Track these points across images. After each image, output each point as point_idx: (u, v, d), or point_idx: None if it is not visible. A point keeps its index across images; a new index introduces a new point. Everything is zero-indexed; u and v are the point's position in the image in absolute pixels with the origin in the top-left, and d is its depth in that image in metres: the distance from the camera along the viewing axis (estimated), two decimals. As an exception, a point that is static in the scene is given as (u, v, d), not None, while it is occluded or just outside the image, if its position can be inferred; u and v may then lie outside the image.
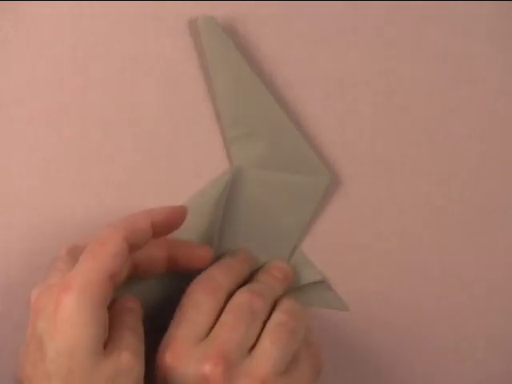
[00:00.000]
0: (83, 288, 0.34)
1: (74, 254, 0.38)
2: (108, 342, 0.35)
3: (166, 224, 0.38)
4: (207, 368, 0.36)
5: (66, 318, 0.33)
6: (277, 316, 0.39)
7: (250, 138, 0.42)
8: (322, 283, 0.45)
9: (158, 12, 0.41)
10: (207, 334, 0.37)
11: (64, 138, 0.42)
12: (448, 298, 0.47)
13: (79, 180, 0.43)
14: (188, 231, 0.41)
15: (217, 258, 0.42)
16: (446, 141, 0.45)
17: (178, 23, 0.41)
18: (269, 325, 0.38)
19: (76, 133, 0.42)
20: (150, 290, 0.40)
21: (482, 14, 0.43)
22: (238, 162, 0.43)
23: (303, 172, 0.43)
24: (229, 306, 0.38)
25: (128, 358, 0.35)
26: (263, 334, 0.38)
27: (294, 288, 0.44)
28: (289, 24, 0.42)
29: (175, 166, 0.43)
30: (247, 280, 0.42)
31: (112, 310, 0.36)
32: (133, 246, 0.36)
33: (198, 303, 0.38)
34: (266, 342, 0.37)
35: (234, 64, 0.41)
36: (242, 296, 0.39)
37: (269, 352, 0.37)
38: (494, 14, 0.43)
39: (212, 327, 0.37)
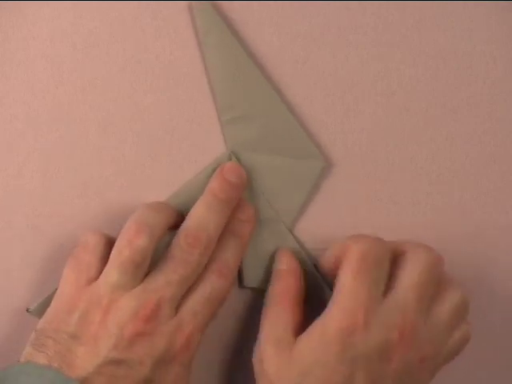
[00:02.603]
0: None
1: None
2: None
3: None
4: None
5: None
6: None
7: (243, 121, 0.42)
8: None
9: (158, 12, 0.41)
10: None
11: (64, 137, 0.42)
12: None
13: (79, 180, 0.43)
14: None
15: None
16: (446, 141, 0.45)
17: (179, 23, 0.41)
18: None
19: (76, 132, 0.42)
20: None
21: (481, 14, 0.43)
22: (232, 145, 0.43)
23: (297, 156, 0.43)
24: None
25: None
26: None
27: None
28: (289, 24, 0.42)
29: (176, 164, 0.43)
30: None
31: None
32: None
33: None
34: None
35: (228, 47, 0.41)
36: None
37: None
38: (494, 14, 0.43)
39: None
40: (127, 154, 0.43)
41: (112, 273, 0.38)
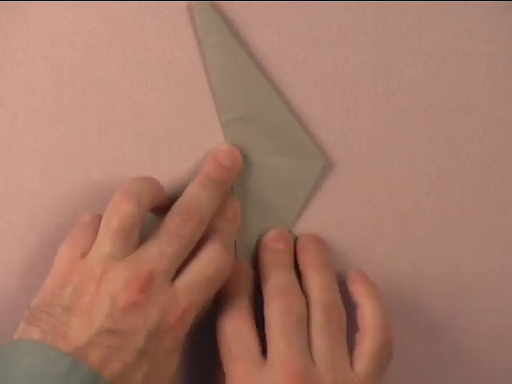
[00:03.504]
0: None
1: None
2: None
3: None
4: None
5: None
6: None
7: (243, 121, 0.42)
8: None
9: (158, 12, 0.41)
10: None
11: (64, 137, 0.42)
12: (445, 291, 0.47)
13: (79, 179, 0.43)
14: None
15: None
16: (446, 141, 0.45)
17: (179, 23, 0.41)
18: None
19: (76, 132, 0.42)
20: None
21: (481, 14, 0.43)
22: (233, 142, 0.43)
23: (297, 156, 0.43)
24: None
25: None
26: None
27: None
28: (289, 24, 0.42)
29: (176, 164, 0.43)
30: None
31: None
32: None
33: None
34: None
35: (228, 47, 0.41)
36: None
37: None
38: (494, 14, 0.43)
39: None
40: (127, 154, 0.43)
41: (103, 243, 0.38)
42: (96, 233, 0.39)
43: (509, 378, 0.49)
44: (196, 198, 0.40)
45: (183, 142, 0.43)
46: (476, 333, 0.46)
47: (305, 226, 0.45)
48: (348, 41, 0.42)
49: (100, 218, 0.40)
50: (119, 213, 0.38)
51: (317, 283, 0.42)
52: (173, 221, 0.39)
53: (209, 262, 0.39)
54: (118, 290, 0.37)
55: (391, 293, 0.47)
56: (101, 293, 0.37)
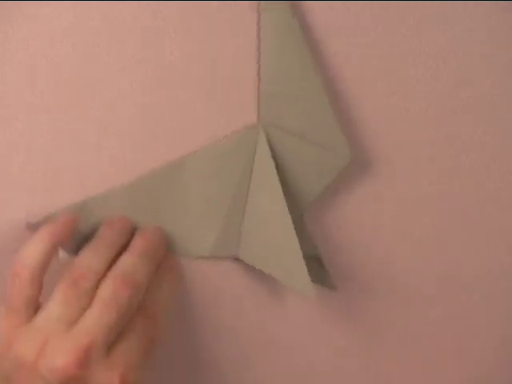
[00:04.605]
0: None
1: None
2: None
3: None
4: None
5: None
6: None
7: (282, 96, 0.42)
8: (316, 258, 0.45)
9: (158, 12, 0.41)
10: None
11: (64, 137, 0.42)
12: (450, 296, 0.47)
13: (79, 180, 0.43)
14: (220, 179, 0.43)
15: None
16: (446, 141, 0.45)
17: (179, 23, 0.41)
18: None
19: (76, 132, 0.42)
20: None
21: (481, 14, 0.43)
22: (266, 117, 0.43)
23: (325, 146, 0.43)
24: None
25: None
26: None
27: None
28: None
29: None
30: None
31: None
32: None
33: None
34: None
35: (287, 28, 0.41)
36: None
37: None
38: (494, 14, 0.43)
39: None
40: (127, 153, 0.43)
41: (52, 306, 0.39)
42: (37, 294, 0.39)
43: (509, 377, 0.49)
44: (130, 268, 0.40)
45: (183, 142, 0.43)
46: (476, 333, 0.46)
47: (311, 219, 0.45)
48: (348, 41, 0.42)
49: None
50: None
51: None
52: (108, 288, 0.39)
53: (141, 327, 0.40)
54: (57, 364, 0.37)
55: (391, 292, 0.47)
56: (39, 366, 0.37)
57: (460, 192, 0.45)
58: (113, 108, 0.42)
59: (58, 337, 0.38)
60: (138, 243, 0.42)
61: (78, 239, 0.42)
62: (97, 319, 0.38)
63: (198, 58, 0.42)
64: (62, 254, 0.42)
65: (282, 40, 0.41)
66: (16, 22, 0.40)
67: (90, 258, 0.40)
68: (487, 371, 0.49)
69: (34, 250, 0.39)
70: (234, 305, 0.46)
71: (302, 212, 0.44)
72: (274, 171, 0.42)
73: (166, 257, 0.43)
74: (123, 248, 0.42)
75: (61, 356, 0.37)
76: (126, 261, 0.40)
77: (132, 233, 0.43)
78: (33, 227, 0.41)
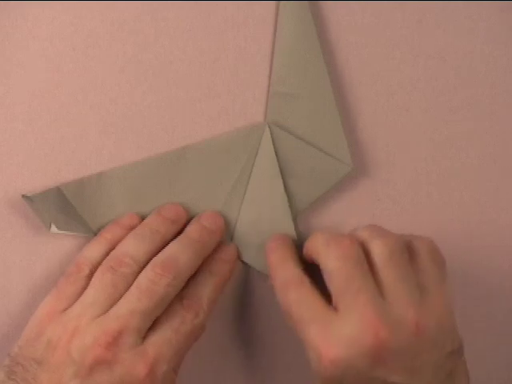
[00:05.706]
0: None
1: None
2: None
3: None
4: None
5: None
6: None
7: (290, 98, 0.42)
8: None
9: (158, 12, 0.41)
10: None
11: (64, 137, 0.42)
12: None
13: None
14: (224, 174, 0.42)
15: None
16: (446, 141, 0.45)
17: (179, 23, 0.41)
18: None
19: (76, 132, 0.42)
20: None
21: (481, 14, 0.43)
22: (273, 117, 0.43)
23: (329, 152, 0.43)
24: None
25: None
26: None
27: None
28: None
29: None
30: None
31: None
32: None
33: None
34: None
35: (303, 30, 0.41)
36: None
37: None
38: (494, 14, 0.43)
39: None
40: (127, 154, 0.43)
41: (88, 294, 0.39)
42: (83, 286, 0.40)
43: (509, 377, 0.49)
44: (173, 254, 0.40)
45: (183, 142, 0.43)
46: (476, 333, 0.46)
47: (305, 221, 0.45)
48: (348, 41, 0.42)
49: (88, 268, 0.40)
50: (118, 274, 0.39)
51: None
52: (146, 276, 0.39)
53: (180, 321, 0.39)
54: (87, 346, 0.37)
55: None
56: (71, 349, 0.37)
57: (460, 192, 0.45)
58: (113, 108, 0.42)
59: (90, 321, 0.38)
60: (189, 229, 0.41)
61: (71, 218, 0.42)
62: (130, 305, 0.38)
63: (200, 57, 0.42)
64: (53, 228, 0.41)
65: (297, 43, 0.41)
66: (16, 22, 0.40)
67: (130, 245, 0.40)
68: (487, 371, 0.49)
69: (97, 249, 0.40)
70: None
71: (295, 215, 0.44)
72: (277, 169, 0.43)
73: (222, 248, 0.43)
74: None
75: (91, 339, 0.37)
76: (169, 248, 0.40)
77: (188, 221, 0.42)
78: (28, 199, 0.41)
